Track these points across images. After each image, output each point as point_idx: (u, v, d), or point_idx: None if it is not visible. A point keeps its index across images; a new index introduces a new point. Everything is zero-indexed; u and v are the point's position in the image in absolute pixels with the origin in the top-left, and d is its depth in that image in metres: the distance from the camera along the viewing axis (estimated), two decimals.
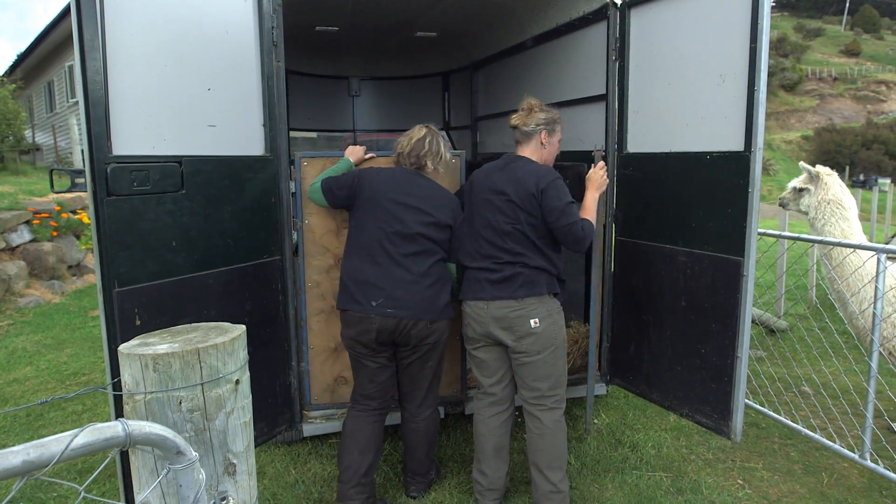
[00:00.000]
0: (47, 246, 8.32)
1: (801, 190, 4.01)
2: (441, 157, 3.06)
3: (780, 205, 4.25)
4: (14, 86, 14.81)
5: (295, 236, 3.31)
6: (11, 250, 7.97)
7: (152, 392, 1.03)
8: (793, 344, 5.48)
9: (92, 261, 8.89)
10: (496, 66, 5.80)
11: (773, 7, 2.76)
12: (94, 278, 2.40)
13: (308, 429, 3.45)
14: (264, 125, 2.96)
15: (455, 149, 7.03)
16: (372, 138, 9.53)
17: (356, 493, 2.99)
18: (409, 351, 2.98)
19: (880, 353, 3.45)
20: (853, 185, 30.30)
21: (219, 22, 2.72)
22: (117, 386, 1.09)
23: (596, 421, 4.20)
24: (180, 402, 1.04)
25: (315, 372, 3.47)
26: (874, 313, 3.30)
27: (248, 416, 1.17)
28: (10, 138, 14.04)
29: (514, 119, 3.04)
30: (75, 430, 0.86)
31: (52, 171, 2.67)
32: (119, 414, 1.31)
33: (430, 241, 2.91)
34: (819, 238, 3.81)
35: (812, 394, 4.47)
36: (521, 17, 4.80)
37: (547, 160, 3.05)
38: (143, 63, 2.46)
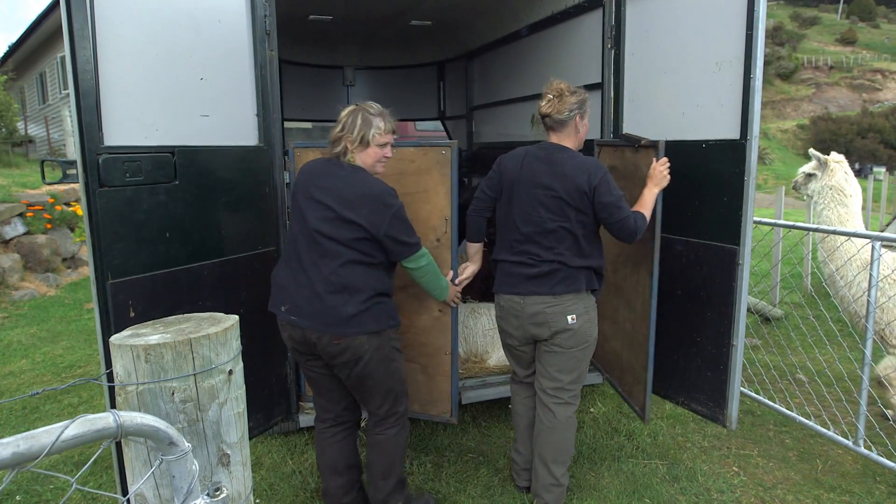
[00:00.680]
0: (41, 238, 8.28)
1: (809, 175, 4.12)
2: (360, 139, 2.53)
3: (793, 188, 4.40)
4: (5, 77, 14.68)
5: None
6: (5, 243, 7.93)
7: (144, 383, 1.03)
8: (788, 332, 5.50)
9: (86, 253, 8.87)
10: (491, 55, 5.76)
11: None
12: (89, 270, 2.38)
13: (304, 419, 3.45)
14: (258, 115, 2.94)
15: (451, 139, 7.01)
16: None
17: None
18: (333, 367, 2.63)
19: (874, 340, 3.46)
20: None
21: (211, 10, 2.69)
22: (110, 377, 1.08)
23: (592, 410, 4.22)
24: (173, 393, 1.04)
25: None
26: (868, 301, 3.31)
27: (242, 406, 1.16)
28: (3, 130, 13.94)
29: (545, 107, 2.83)
30: (66, 422, 0.85)
31: (43, 163, 2.65)
32: (115, 406, 1.30)
33: (333, 242, 2.48)
34: (814, 226, 3.82)
35: (807, 381, 4.50)
36: (516, 5, 4.77)
37: (580, 144, 2.91)
38: (133, 52, 2.44)
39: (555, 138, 2.88)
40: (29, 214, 8.27)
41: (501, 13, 5.04)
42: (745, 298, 3.03)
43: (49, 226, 8.51)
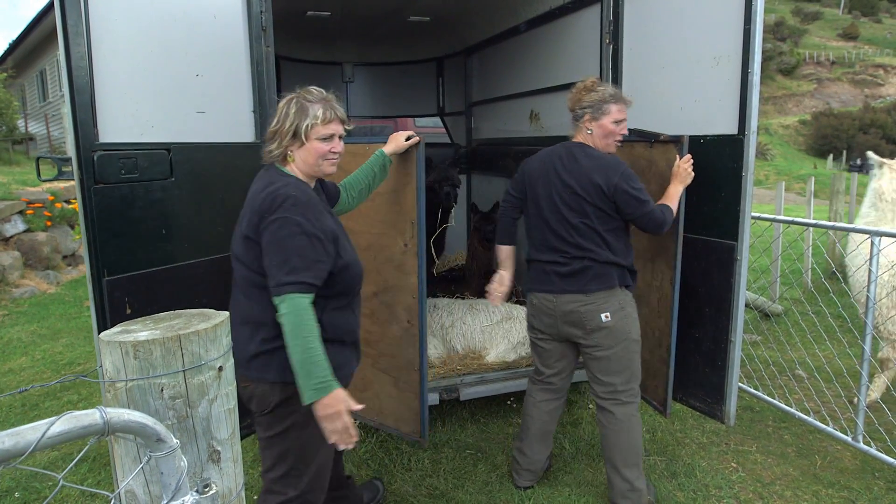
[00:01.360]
0: (41, 236, 8.28)
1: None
2: (293, 133, 2.07)
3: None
4: (5, 75, 14.67)
5: None
6: (5, 241, 7.94)
7: (133, 379, 1.02)
8: (787, 328, 5.49)
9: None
10: (490, 50, 5.75)
11: None
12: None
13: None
14: (254, 111, 2.93)
15: (450, 135, 6.99)
16: (366, 124, 9.48)
17: None
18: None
19: (876, 335, 3.46)
20: (850, 169, 30.28)
21: (206, 6, 2.68)
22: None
23: (591, 406, 4.22)
24: (162, 390, 1.03)
25: None
26: (867, 296, 3.30)
27: (233, 403, 1.16)
28: (3, 128, 13.94)
29: (567, 100, 2.90)
30: (52, 419, 0.85)
31: (38, 160, 2.64)
32: None
33: (237, 261, 2.09)
34: (813, 222, 3.81)
35: (806, 377, 4.49)
36: (514, 0, 4.75)
37: (602, 145, 2.82)
38: (128, 49, 2.43)
39: (575, 135, 2.91)
40: (29, 212, 8.27)
41: (500, 9, 5.02)
42: (744, 294, 3.02)
43: (49, 223, 8.51)
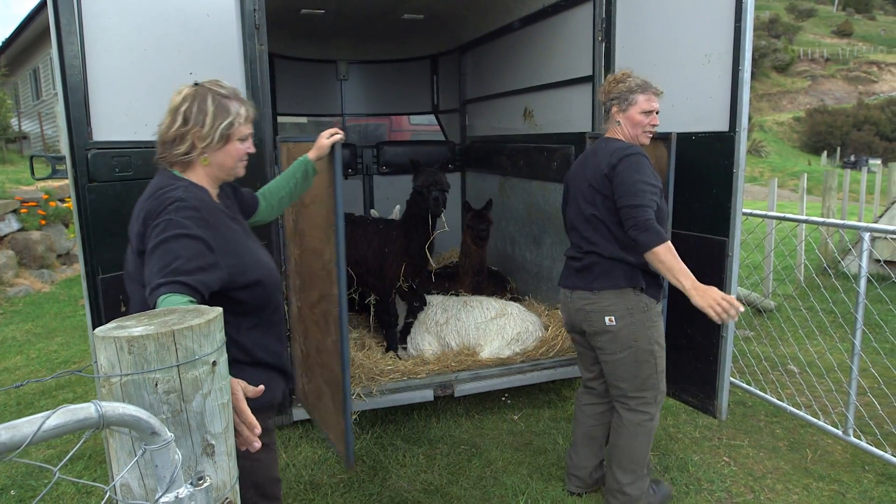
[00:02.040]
0: (36, 235, 8.27)
1: None
2: (218, 134, 1.83)
3: None
4: None
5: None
6: None
7: (128, 374, 1.04)
8: (779, 323, 5.53)
9: None
10: (484, 48, 5.76)
11: None
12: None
13: (298, 413, 3.47)
14: None
15: (445, 133, 7.00)
16: (361, 122, 9.49)
17: None
18: None
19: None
20: (844, 166, 30.42)
21: (199, 5, 2.69)
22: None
23: None
24: (156, 384, 1.05)
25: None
26: (858, 291, 3.33)
27: (227, 397, 1.17)
28: None
29: (599, 94, 2.81)
30: (48, 412, 0.86)
31: (31, 158, 2.65)
32: None
33: (131, 282, 1.86)
34: (804, 217, 3.84)
35: (798, 372, 4.53)
36: None
37: (631, 136, 2.69)
38: (121, 47, 2.44)
39: (607, 129, 2.79)
40: (23, 211, 8.25)
41: (493, 6, 5.03)
42: (735, 290, 3.05)
43: (43, 222, 8.49)
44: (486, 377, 3.88)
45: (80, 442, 0.94)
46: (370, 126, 9.85)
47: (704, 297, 2.37)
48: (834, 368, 4.17)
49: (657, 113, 2.68)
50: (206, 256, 1.68)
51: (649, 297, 2.70)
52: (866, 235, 3.28)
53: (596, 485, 3.13)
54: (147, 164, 2.53)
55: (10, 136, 15.08)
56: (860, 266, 3.29)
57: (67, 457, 1.01)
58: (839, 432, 3.51)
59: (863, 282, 3.31)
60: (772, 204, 6.75)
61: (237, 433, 1.46)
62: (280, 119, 6.70)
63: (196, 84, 1.87)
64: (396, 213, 5.28)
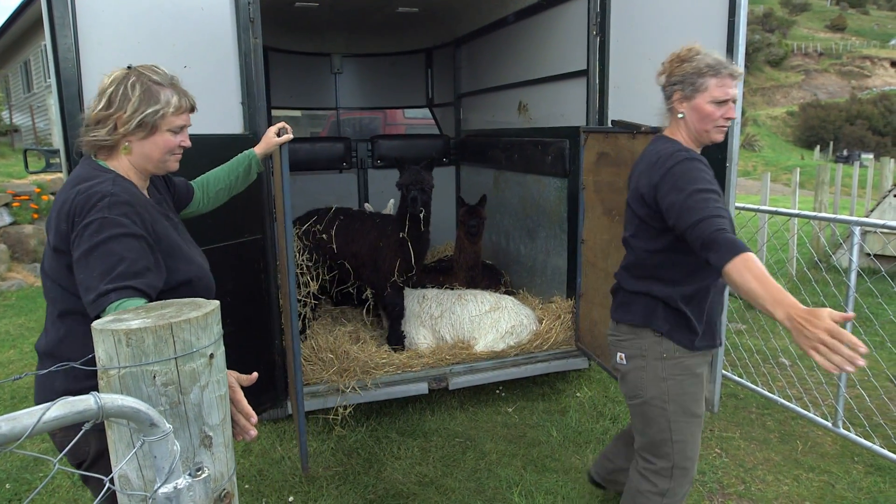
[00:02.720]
0: (28, 228, 8.23)
1: None
2: (139, 122, 1.70)
3: None
4: None
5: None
6: None
7: (126, 367, 1.04)
8: None
9: None
10: (479, 41, 5.76)
11: None
12: None
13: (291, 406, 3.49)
14: (242, 103, 2.94)
15: (439, 127, 7.00)
16: (355, 116, 9.47)
17: None
18: None
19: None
20: (837, 160, 30.57)
21: None
22: (91, 362, 1.10)
23: (578, 395, 4.27)
24: (154, 377, 1.06)
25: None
26: (848, 285, 3.36)
27: (224, 389, 1.18)
28: None
29: (656, 77, 2.21)
30: (47, 404, 0.87)
31: (25, 152, 2.64)
32: None
33: (47, 279, 1.70)
34: (796, 212, 3.87)
35: (789, 365, 4.57)
36: None
37: (696, 134, 2.13)
38: (115, 40, 2.43)
39: (665, 125, 2.25)
40: (15, 204, 8.20)
41: (488, 0, 5.03)
42: (727, 284, 3.07)
43: (36, 216, 8.45)
44: (481, 370, 3.90)
45: (79, 434, 0.95)
46: (364, 119, 9.84)
47: (805, 333, 1.53)
48: None
49: (734, 102, 2.09)
50: (149, 256, 1.58)
51: (676, 343, 2.14)
52: (857, 230, 3.31)
53: (607, 484, 2.88)
54: None
55: (2, 129, 14.97)
56: (850, 260, 3.32)
57: (66, 448, 1.02)
58: (829, 424, 3.55)
59: (853, 275, 3.35)
60: (764, 198, 6.79)
61: (233, 423, 1.47)
62: (274, 112, 6.68)
63: (129, 67, 1.74)
64: (391, 207, 5.28)
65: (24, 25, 17.32)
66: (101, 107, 1.69)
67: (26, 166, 2.58)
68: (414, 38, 6.60)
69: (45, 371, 1.14)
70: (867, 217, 7.20)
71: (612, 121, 3.42)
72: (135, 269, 1.51)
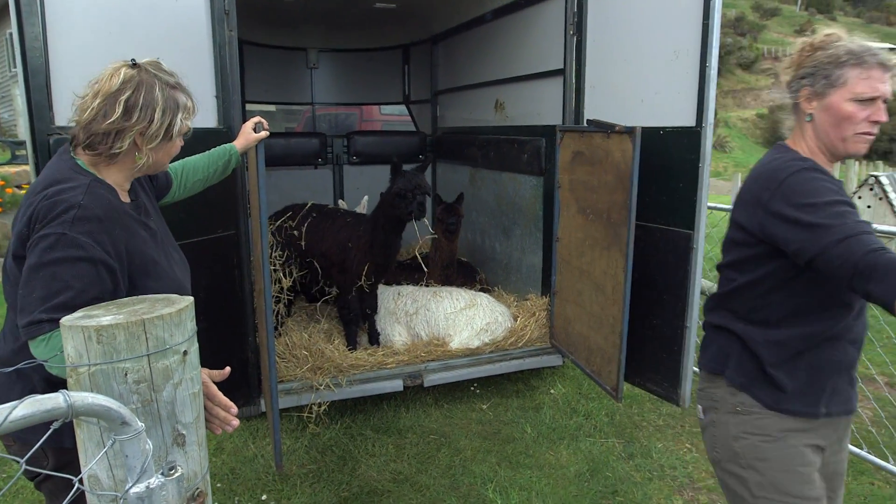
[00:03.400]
0: None
1: None
2: (165, 131, 1.60)
3: None
4: None
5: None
6: None
7: (96, 364, 1.02)
8: None
9: None
10: (456, 39, 5.76)
11: None
12: None
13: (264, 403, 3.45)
14: (217, 97, 2.89)
15: (417, 126, 6.98)
16: (331, 111, 9.40)
17: None
18: None
19: None
20: None
21: None
22: (58, 360, 1.08)
23: (552, 391, 4.31)
24: (126, 374, 1.04)
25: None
26: None
27: (198, 387, 1.16)
28: None
29: (781, 70, 1.76)
30: (15, 402, 0.84)
31: None
32: None
33: (7, 281, 1.56)
34: None
35: None
36: None
37: (831, 143, 1.65)
38: (85, 29, 2.37)
39: (791, 131, 1.77)
40: None
41: None
42: (699, 282, 3.13)
43: (0, 209, 8.21)
44: (456, 367, 3.91)
45: (48, 432, 0.93)
46: (340, 115, 9.76)
47: None
48: None
49: (885, 102, 1.61)
50: (103, 284, 1.43)
51: (754, 398, 1.70)
52: None
53: None
54: None
55: None
56: None
57: (34, 448, 0.99)
58: None
59: None
60: (735, 199, 6.91)
61: (211, 417, 1.45)
62: (248, 107, 6.60)
63: (135, 64, 1.57)
64: (364, 204, 5.25)
65: None
66: (116, 116, 1.50)
67: None
68: (391, 35, 6.57)
69: (15, 368, 1.11)
70: None
71: (588, 120, 3.44)
72: (79, 301, 1.34)
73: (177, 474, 1.04)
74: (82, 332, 1.02)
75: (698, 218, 3.02)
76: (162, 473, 1.03)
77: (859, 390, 4.17)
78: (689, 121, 2.96)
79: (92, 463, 1.01)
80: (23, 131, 2.25)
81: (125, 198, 1.66)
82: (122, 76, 1.54)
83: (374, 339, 4.26)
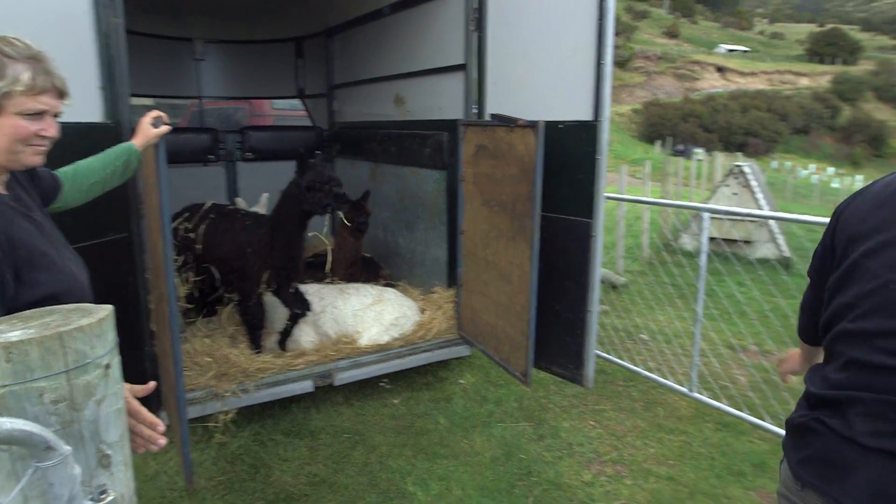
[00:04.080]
0: None
1: None
2: None
3: None
4: None
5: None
6: None
7: (6, 385, 0.92)
8: (632, 297, 6.07)
9: None
10: (353, 32, 5.67)
11: None
12: None
13: (167, 418, 3.25)
14: (102, 88, 2.67)
15: (313, 121, 6.80)
16: (219, 106, 8.95)
17: None
18: None
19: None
20: (675, 153, 33.82)
21: None
22: None
23: (462, 381, 4.39)
24: (41, 394, 0.94)
25: None
26: (699, 265, 3.75)
27: (121, 402, 1.08)
28: None
29: None
30: None
31: None
32: None
33: None
34: (653, 200, 4.25)
35: (649, 340, 5.02)
36: None
37: None
38: None
39: None
40: None
41: None
42: (599, 267, 3.31)
43: None
44: (366, 364, 3.88)
45: None
46: (228, 110, 9.32)
47: None
48: (680, 334, 4.68)
49: None
50: None
51: (787, 467, 1.46)
52: (706, 215, 3.70)
53: None
54: None
55: None
56: (701, 242, 3.71)
57: None
58: (685, 390, 3.96)
59: (703, 257, 3.74)
60: (622, 188, 7.35)
61: (134, 436, 1.36)
62: (132, 101, 6.14)
63: None
64: (263, 202, 5.07)
65: None
66: None
67: None
68: (283, 27, 6.35)
69: None
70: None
71: (492, 115, 3.53)
72: None
73: (109, 498, 0.97)
74: None
75: (597, 207, 3.19)
76: (92, 499, 0.95)
77: (738, 360, 4.64)
78: (587, 115, 3.11)
79: (9, 498, 0.91)
80: None
81: (2, 189, 1.52)
82: None
83: (284, 343, 4.13)
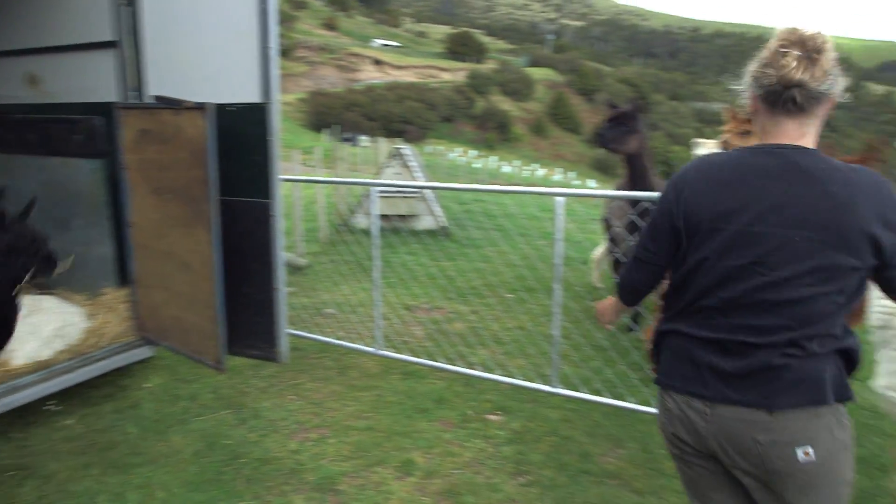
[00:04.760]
0: None
1: None
2: None
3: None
4: None
5: None
6: None
7: None
8: (316, 276, 6.38)
9: None
10: None
11: None
12: None
13: None
14: None
15: None
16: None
17: None
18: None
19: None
20: (343, 141, 35.57)
21: None
22: None
23: (148, 384, 4.10)
24: None
25: None
26: (373, 236, 4.17)
27: None
28: None
29: (794, 70, 1.51)
30: None
31: None
32: None
33: None
34: (325, 179, 4.55)
35: (336, 312, 5.37)
36: None
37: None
38: None
39: (794, 131, 1.59)
40: None
41: None
42: (282, 246, 3.45)
43: None
44: (24, 387, 3.37)
45: None
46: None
47: None
48: (362, 304, 5.13)
49: None
50: None
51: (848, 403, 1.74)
52: (374, 191, 4.13)
53: None
54: None
55: None
56: (372, 216, 4.14)
57: None
58: (372, 350, 4.40)
59: (375, 229, 4.18)
60: (296, 171, 7.58)
61: None
62: None
63: None
64: None
65: None
66: None
67: None
68: None
69: None
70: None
71: (156, 97, 3.34)
72: None
73: None
74: None
75: (273, 188, 3.31)
76: None
77: (414, 317, 5.30)
78: (256, 97, 3.19)
79: None
80: None
81: None
82: None
83: None
